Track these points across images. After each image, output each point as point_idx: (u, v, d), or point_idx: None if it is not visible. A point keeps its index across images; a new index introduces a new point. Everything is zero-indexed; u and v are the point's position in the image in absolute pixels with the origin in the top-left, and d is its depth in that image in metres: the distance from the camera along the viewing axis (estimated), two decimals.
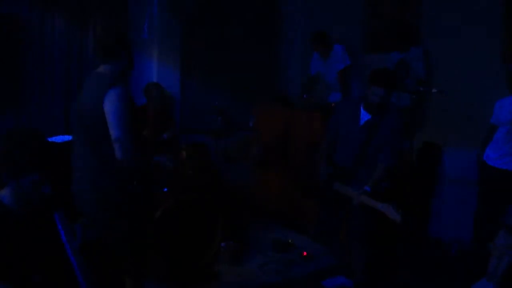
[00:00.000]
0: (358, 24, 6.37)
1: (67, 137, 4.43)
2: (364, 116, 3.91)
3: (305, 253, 4.67)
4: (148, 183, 3.37)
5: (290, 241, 4.92)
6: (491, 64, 4.80)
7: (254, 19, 7.08)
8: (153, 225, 4.03)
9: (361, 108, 3.93)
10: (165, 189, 4.44)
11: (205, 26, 6.66)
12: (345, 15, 6.45)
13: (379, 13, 6.16)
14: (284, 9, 7.43)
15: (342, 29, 6.26)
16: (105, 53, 3.05)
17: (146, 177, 3.23)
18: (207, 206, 4.29)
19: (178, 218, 4.16)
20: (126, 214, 2.96)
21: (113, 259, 2.85)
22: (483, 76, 4.86)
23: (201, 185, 4.68)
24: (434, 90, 5.00)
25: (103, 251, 2.74)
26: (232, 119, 5.92)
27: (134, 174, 3.01)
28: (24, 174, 2.11)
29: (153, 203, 3.95)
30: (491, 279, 3.52)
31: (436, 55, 5.41)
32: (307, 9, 7.14)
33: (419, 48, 5.44)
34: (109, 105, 2.84)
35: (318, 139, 4.44)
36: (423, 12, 5.60)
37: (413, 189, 5.17)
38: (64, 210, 2.30)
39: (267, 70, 7.30)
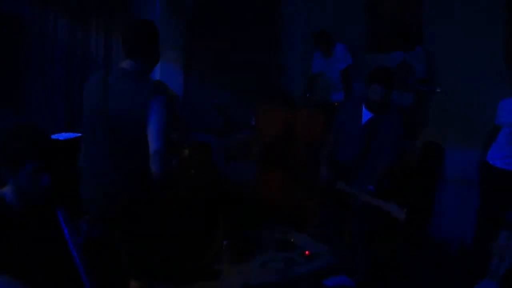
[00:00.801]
0: (359, 23, 6.36)
1: (70, 134, 4.43)
2: (366, 115, 3.93)
3: (307, 252, 4.67)
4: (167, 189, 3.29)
5: (292, 240, 4.92)
6: (493, 64, 4.80)
7: (256, 18, 7.08)
8: (155, 224, 4.03)
9: (363, 107, 3.95)
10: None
11: (207, 26, 6.66)
12: (346, 14, 6.44)
13: (381, 13, 6.16)
14: (285, 9, 7.44)
15: (343, 28, 6.26)
16: (136, 48, 2.84)
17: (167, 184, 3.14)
18: (209, 205, 4.29)
19: (180, 216, 4.17)
20: (142, 218, 2.86)
21: (116, 257, 2.84)
22: (485, 76, 4.85)
23: (203, 184, 4.68)
24: (438, 90, 5.01)
25: (107, 249, 2.74)
26: (233, 118, 5.92)
27: (162, 184, 2.84)
28: (19, 165, 2.10)
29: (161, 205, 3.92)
30: (492, 279, 3.52)
31: (438, 54, 5.41)
32: (308, 8, 7.14)
33: (421, 48, 5.44)
34: (154, 115, 2.65)
35: (320, 138, 4.45)
36: (425, 11, 5.60)
37: (414, 189, 5.17)
38: (67, 207, 2.29)
39: (269, 69, 7.30)
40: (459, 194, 5.06)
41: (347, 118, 4.08)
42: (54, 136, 4.33)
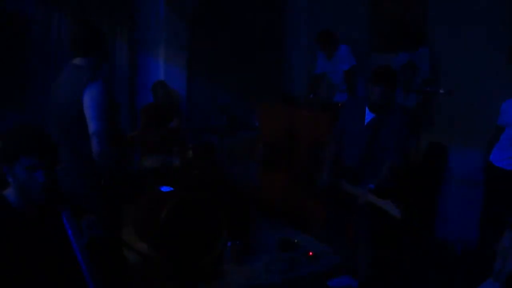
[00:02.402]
0: (364, 24, 6.35)
1: None
2: (369, 116, 3.92)
3: (310, 253, 4.67)
4: (120, 181, 3.33)
5: (295, 240, 4.91)
6: (497, 65, 4.79)
7: (258, 18, 7.08)
8: (159, 224, 4.04)
9: (366, 108, 3.94)
10: (166, 188, 4.48)
11: (210, 26, 6.67)
12: (350, 15, 6.43)
13: (385, 13, 6.15)
14: (288, 8, 7.43)
15: (347, 29, 6.25)
16: (80, 46, 3.10)
17: (118, 175, 3.20)
18: (213, 205, 4.30)
19: (184, 217, 4.17)
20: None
21: (119, 256, 2.85)
22: (490, 76, 4.84)
23: (206, 184, 4.68)
24: (441, 91, 4.99)
25: (109, 248, 2.74)
26: (236, 118, 5.92)
27: (106, 170, 3.02)
28: (15, 161, 2.11)
29: (124, 202, 3.88)
30: (496, 280, 3.51)
31: (442, 55, 5.40)
32: (311, 8, 7.13)
33: (425, 48, 5.43)
34: (89, 99, 2.89)
35: (323, 139, 4.44)
36: (429, 12, 5.59)
37: (419, 189, 5.16)
38: (71, 208, 2.29)
39: (272, 69, 7.31)
40: (463, 195, 5.05)
41: (350, 119, 4.07)
42: None
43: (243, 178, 5.79)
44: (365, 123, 3.92)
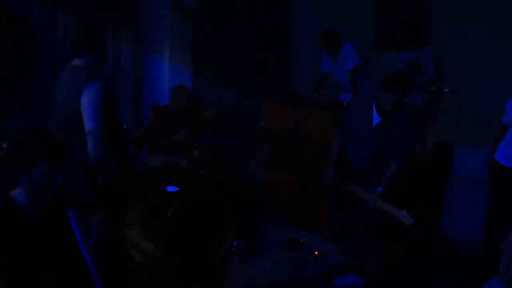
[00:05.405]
0: (369, 23, 6.34)
1: None
2: (376, 116, 3.88)
3: (316, 253, 4.67)
4: (122, 181, 3.31)
5: (301, 240, 4.92)
6: (502, 63, 4.77)
7: (264, 17, 7.09)
8: (165, 224, 4.06)
9: (373, 107, 3.90)
10: (172, 188, 4.49)
11: (215, 26, 6.68)
12: (355, 14, 6.43)
13: (390, 12, 6.14)
14: (293, 7, 7.43)
15: (352, 28, 6.24)
16: (78, 46, 3.11)
17: (118, 175, 3.17)
18: (219, 205, 4.31)
19: (190, 216, 4.18)
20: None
21: (126, 257, 2.86)
22: (495, 75, 4.83)
23: (212, 184, 4.69)
24: (446, 90, 4.98)
25: (117, 249, 2.75)
26: (242, 118, 5.93)
27: (102, 170, 2.99)
28: (33, 164, 2.14)
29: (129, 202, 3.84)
30: (502, 279, 3.50)
31: (447, 54, 5.38)
32: (316, 7, 7.13)
33: (430, 47, 5.42)
34: (85, 100, 2.90)
35: (329, 138, 4.44)
36: (434, 10, 5.58)
37: (424, 188, 5.15)
38: (78, 207, 2.31)
39: (277, 69, 7.31)
40: (469, 194, 5.03)
41: (355, 118, 4.02)
42: None
43: (248, 177, 5.80)
44: (373, 125, 3.88)
